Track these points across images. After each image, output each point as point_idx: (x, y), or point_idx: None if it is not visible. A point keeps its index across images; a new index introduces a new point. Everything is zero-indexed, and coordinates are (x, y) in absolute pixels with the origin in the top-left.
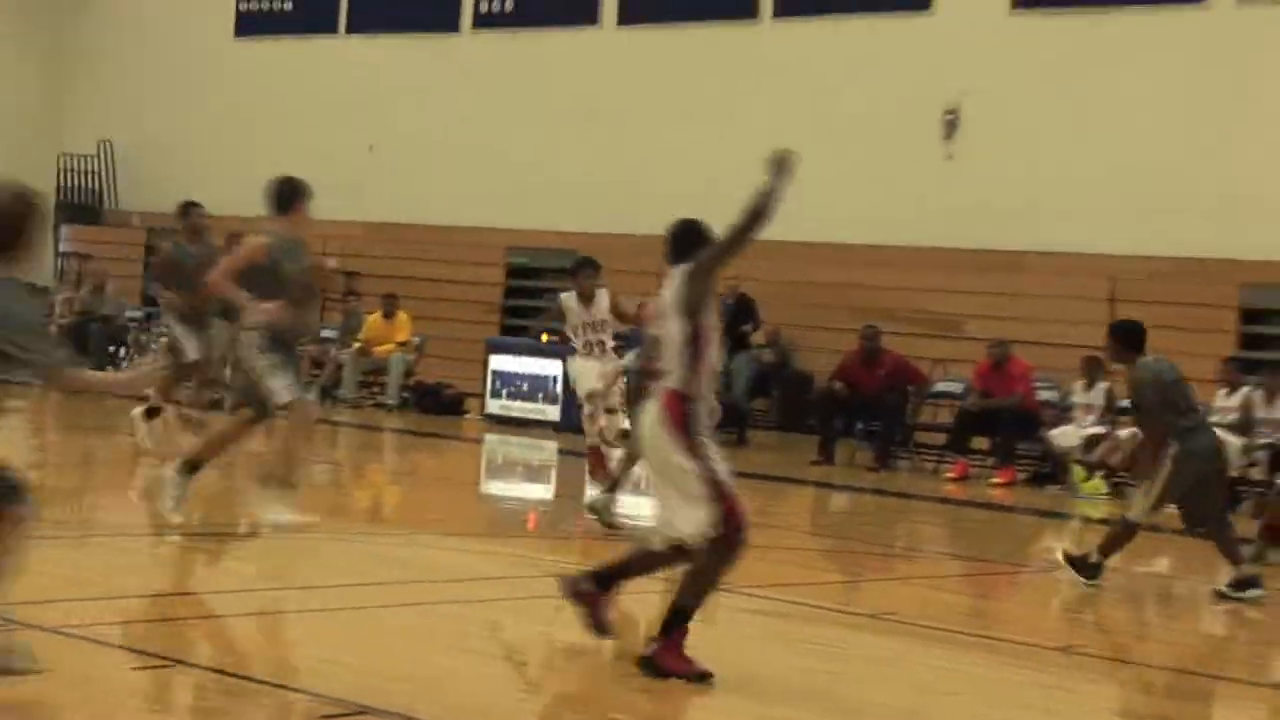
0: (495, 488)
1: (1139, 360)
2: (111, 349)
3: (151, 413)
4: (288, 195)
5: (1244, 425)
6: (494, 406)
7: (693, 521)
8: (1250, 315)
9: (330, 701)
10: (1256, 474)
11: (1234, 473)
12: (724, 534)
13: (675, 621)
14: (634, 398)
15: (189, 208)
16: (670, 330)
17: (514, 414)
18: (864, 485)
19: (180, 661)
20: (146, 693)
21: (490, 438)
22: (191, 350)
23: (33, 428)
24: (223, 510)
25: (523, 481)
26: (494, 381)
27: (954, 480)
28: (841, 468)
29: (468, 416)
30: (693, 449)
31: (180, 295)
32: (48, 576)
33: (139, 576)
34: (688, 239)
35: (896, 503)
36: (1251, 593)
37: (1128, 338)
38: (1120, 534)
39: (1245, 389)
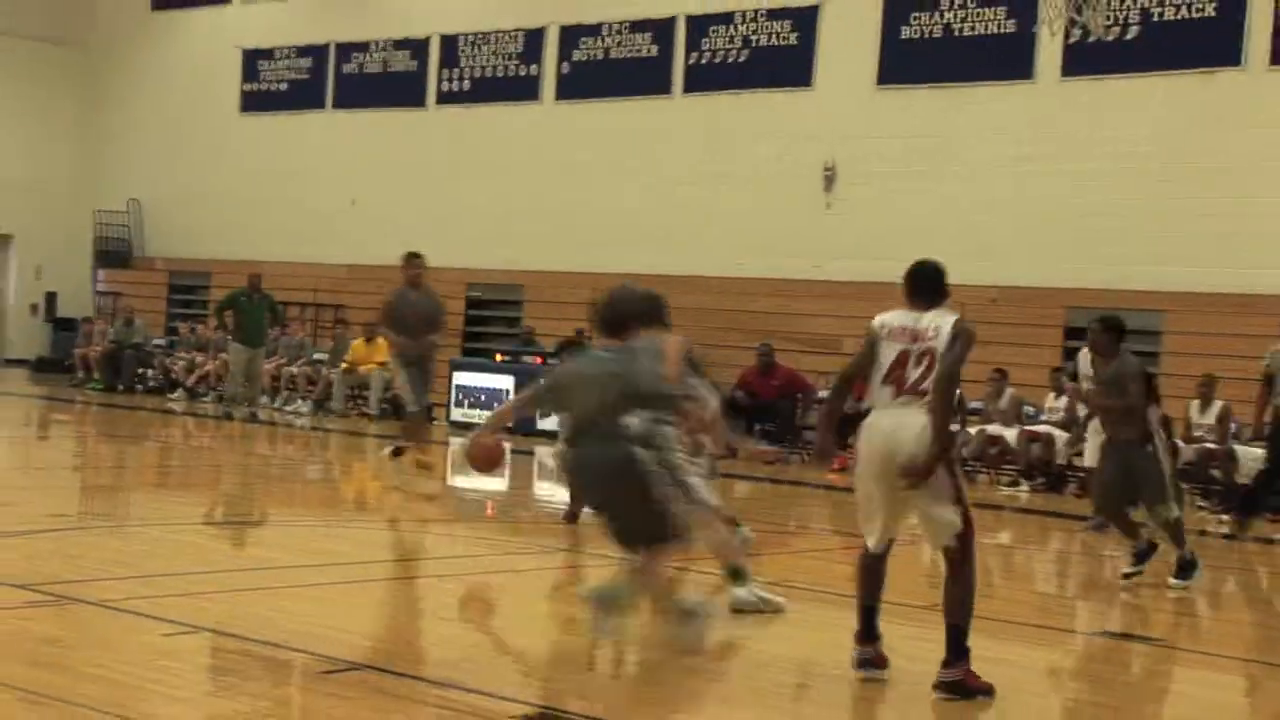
0: (459, 482)
1: (1124, 353)
2: (140, 371)
3: (398, 452)
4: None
5: (1068, 423)
6: (457, 414)
7: (947, 523)
8: (1071, 332)
9: (325, 660)
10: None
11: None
12: (967, 533)
13: (961, 640)
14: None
15: (411, 258)
16: (946, 364)
17: (474, 420)
18: (761, 476)
19: (200, 628)
20: (173, 654)
21: (454, 440)
22: (411, 402)
23: (77, 436)
24: (240, 504)
25: (481, 476)
26: (457, 394)
27: (836, 471)
28: (743, 462)
29: (435, 423)
30: (949, 462)
31: (403, 339)
32: (91, 559)
33: (166, 559)
34: (937, 280)
35: (789, 490)
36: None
37: (1117, 332)
38: (1177, 530)
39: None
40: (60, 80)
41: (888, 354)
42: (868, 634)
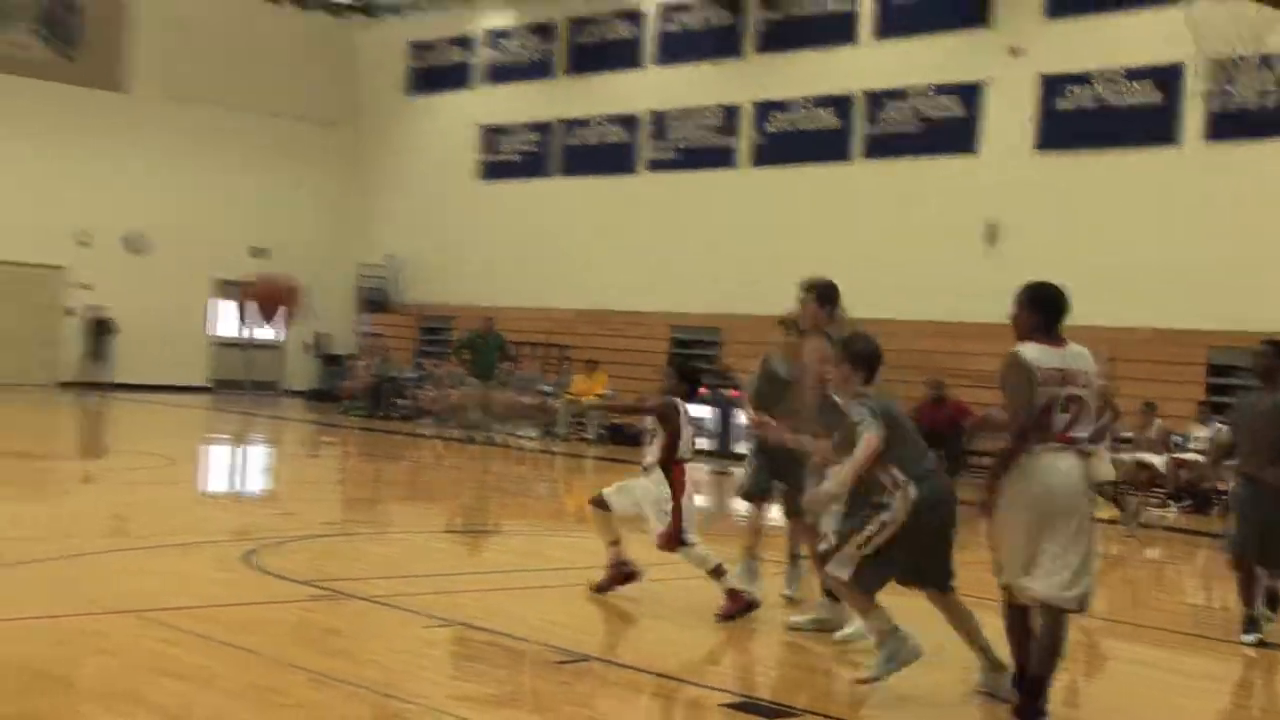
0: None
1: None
2: (394, 400)
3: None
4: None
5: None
6: None
7: (1083, 590)
8: (1214, 369)
9: (558, 651)
10: None
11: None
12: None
13: (1039, 691)
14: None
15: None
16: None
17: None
18: None
19: (453, 622)
20: (433, 643)
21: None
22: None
23: (343, 455)
24: (479, 515)
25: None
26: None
27: None
28: None
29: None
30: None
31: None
32: (359, 561)
33: (421, 561)
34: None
35: (961, 508)
36: None
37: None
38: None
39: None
40: (331, 156)
41: (1040, 399)
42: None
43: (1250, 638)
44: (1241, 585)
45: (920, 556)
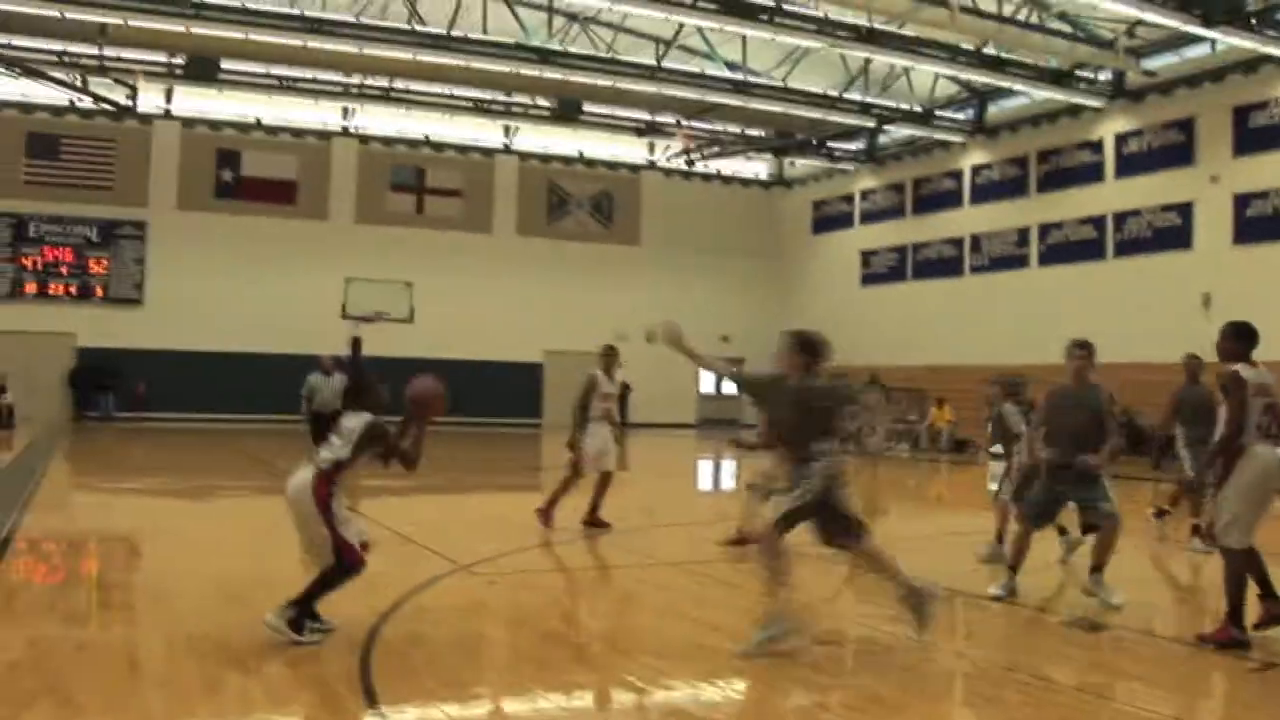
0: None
1: None
2: None
3: (1161, 514)
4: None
5: None
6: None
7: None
8: None
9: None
10: None
11: None
12: None
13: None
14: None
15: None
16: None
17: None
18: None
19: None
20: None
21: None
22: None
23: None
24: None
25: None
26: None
27: None
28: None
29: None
30: None
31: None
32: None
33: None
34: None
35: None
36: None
37: None
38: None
39: None
40: (768, 276)
41: (1255, 406)
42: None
43: None
44: None
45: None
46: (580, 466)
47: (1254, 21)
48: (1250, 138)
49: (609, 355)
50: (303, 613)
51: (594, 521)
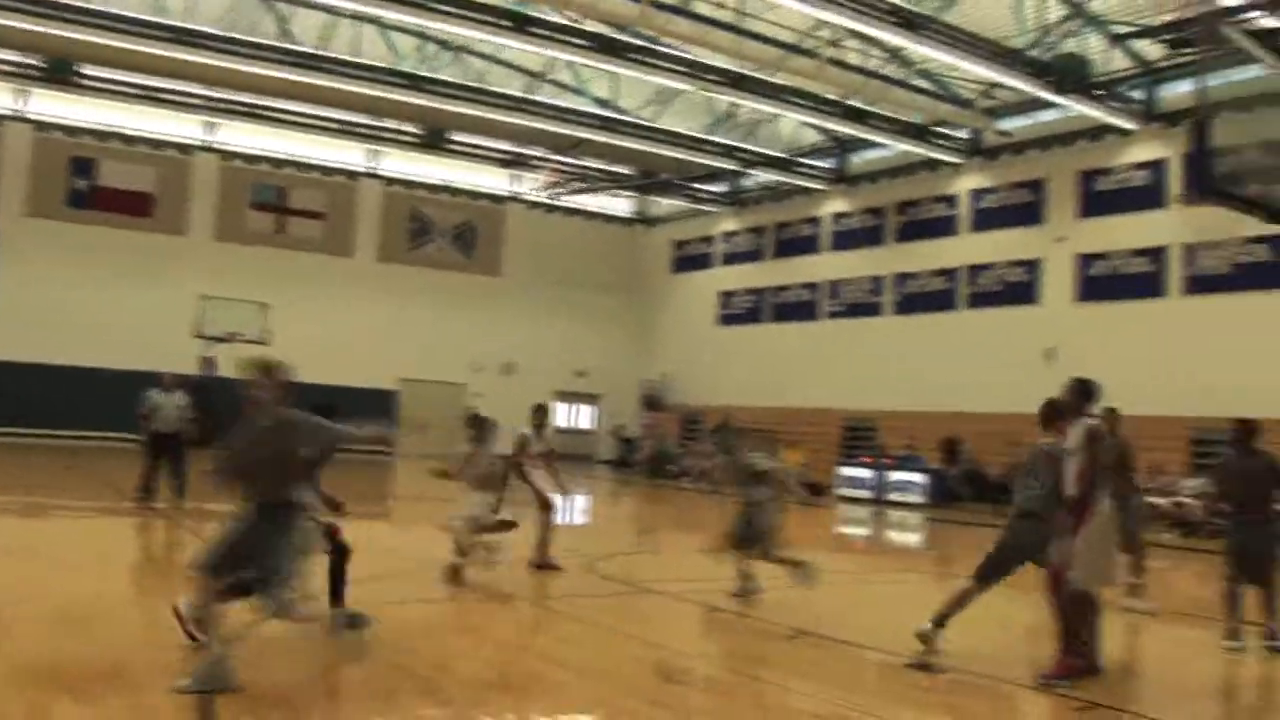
0: (844, 528)
1: None
2: (667, 467)
3: None
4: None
5: None
6: (843, 491)
7: None
8: (1196, 442)
9: (782, 626)
10: None
11: None
12: None
13: None
14: None
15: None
16: None
17: (851, 495)
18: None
19: (710, 607)
20: (698, 620)
21: (840, 507)
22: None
23: (630, 499)
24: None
25: (855, 526)
26: (841, 479)
27: None
28: None
29: (828, 496)
30: None
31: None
32: (653, 569)
33: (694, 569)
34: None
35: None
36: None
37: None
38: None
39: None
40: (626, 312)
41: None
42: None
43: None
44: None
45: None
46: (547, 500)
47: (1100, 92)
48: (1095, 201)
49: (540, 413)
50: None
51: (546, 563)
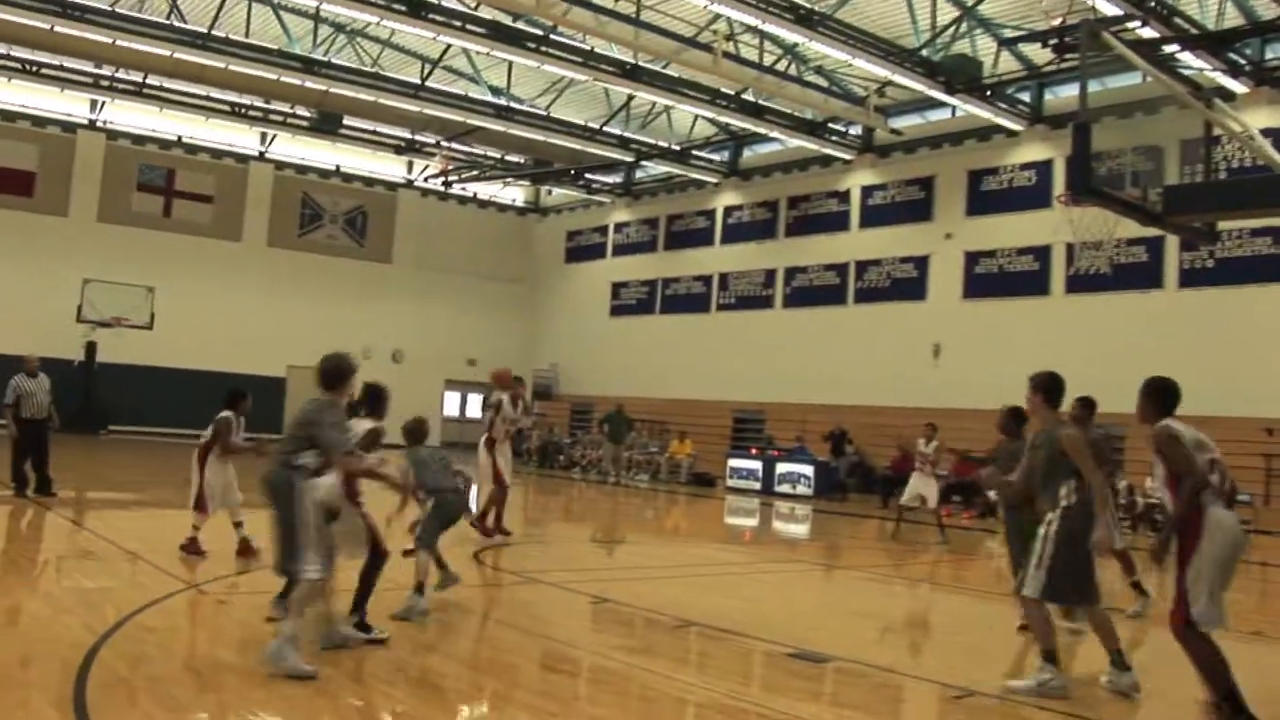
0: (732, 519)
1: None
2: (558, 457)
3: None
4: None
5: None
6: (732, 482)
7: None
8: None
9: (678, 620)
10: None
11: None
12: None
13: None
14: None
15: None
16: None
17: (740, 486)
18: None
19: (607, 600)
20: (590, 612)
21: (729, 498)
22: None
23: (525, 492)
24: (614, 530)
25: (744, 517)
26: (730, 471)
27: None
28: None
29: (717, 487)
30: None
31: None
32: (538, 560)
33: (580, 559)
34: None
35: None
36: None
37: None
38: None
39: None
40: (517, 301)
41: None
42: None
43: None
44: None
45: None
46: (501, 479)
47: (989, 94)
48: (982, 199)
49: (517, 385)
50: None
51: (500, 529)
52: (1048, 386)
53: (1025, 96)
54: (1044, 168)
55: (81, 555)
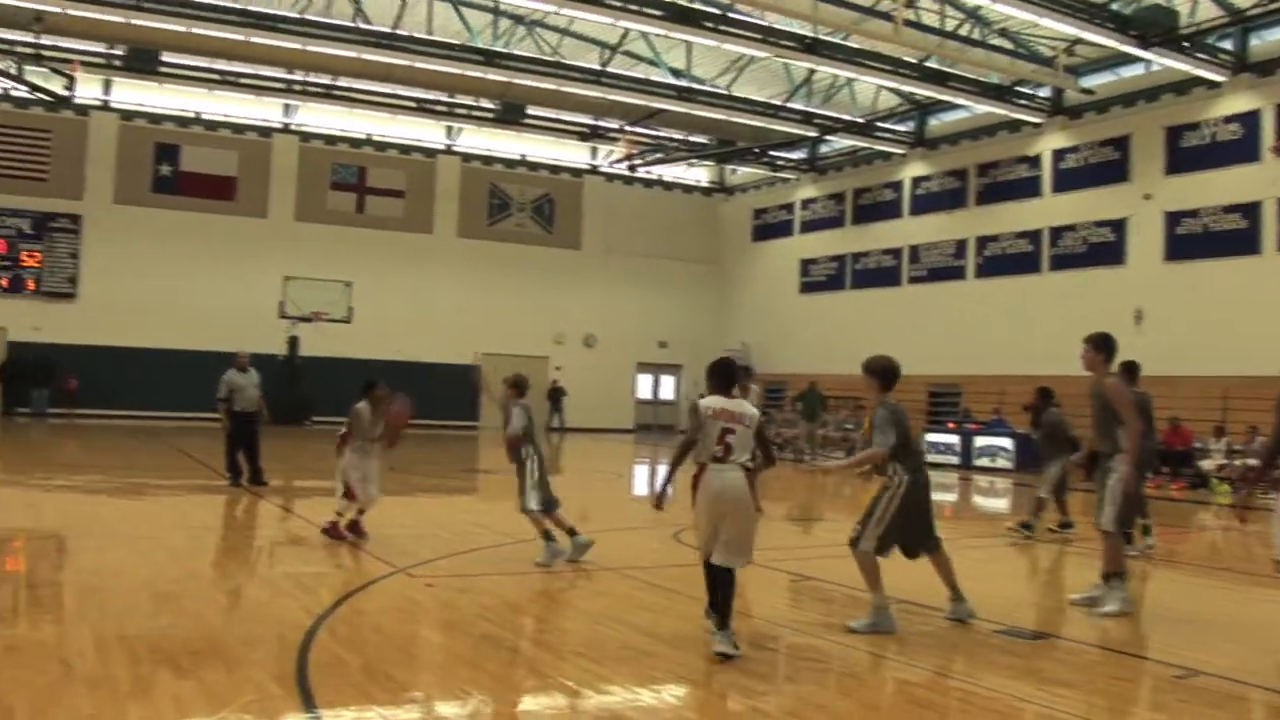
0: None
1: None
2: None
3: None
4: None
5: None
6: (929, 457)
7: None
8: None
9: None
10: None
11: None
12: None
13: None
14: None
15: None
16: None
17: (937, 461)
18: None
19: (800, 576)
20: (787, 589)
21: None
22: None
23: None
24: (809, 508)
25: (942, 492)
26: (927, 445)
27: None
28: None
29: None
30: None
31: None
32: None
33: (777, 539)
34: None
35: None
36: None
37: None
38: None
39: None
40: (707, 281)
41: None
42: None
43: None
44: None
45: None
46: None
47: (1187, 44)
48: (1182, 157)
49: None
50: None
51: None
52: (1106, 344)
53: (1227, 45)
54: (1250, 119)
55: (293, 541)
